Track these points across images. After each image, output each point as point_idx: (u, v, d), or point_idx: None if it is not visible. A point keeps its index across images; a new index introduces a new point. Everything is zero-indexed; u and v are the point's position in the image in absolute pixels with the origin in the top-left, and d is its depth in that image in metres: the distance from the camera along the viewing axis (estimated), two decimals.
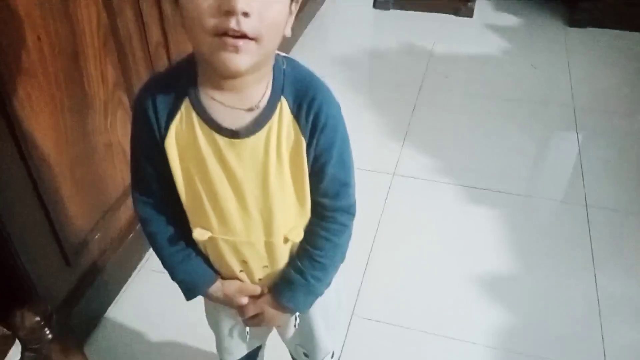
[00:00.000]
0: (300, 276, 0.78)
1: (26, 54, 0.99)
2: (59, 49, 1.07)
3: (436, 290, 1.49)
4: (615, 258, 1.58)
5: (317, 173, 0.72)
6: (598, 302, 1.44)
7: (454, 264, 1.56)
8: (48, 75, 1.06)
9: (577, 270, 1.54)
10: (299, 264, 0.78)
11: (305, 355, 0.99)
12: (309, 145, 0.69)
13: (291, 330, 0.92)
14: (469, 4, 2.88)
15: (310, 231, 0.77)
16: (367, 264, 1.55)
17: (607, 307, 1.43)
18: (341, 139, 0.72)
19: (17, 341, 0.84)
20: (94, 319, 1.37)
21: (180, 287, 0.81)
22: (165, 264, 0.80)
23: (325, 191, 0.74)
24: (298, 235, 0.77)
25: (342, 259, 0.82)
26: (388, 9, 2.97)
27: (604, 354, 1.32)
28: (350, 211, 0.78)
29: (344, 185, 0.75)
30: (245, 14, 0.56)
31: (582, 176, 1.86)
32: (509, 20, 2.89)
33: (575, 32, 2.76)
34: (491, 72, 2.46)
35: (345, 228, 0.78)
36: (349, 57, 2.57)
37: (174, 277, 0.81)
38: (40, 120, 1.06)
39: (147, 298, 1.45)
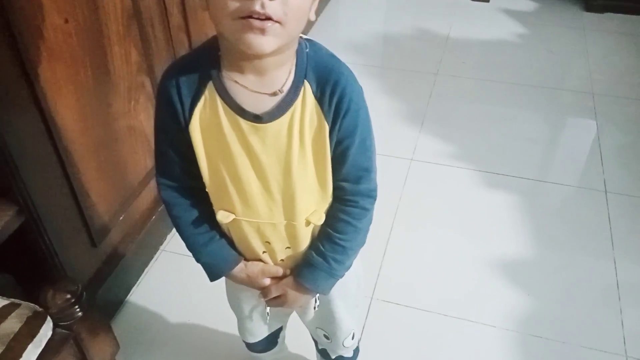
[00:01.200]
0: (322, 259, 0.79)
1: (54, 37, 1.01)
2: (85, 32, 1.09)
3: (455, 273, 1.50)
4: (635, 244, 1.57)
5: (339, 157, 0.73)
6: (618, 287, 1.45)
7: (473, 247, 1.57)
8: (74, 58, 1.07)
9: (597, 255, 1.54)
10: (321, 246, 0.79)
11: (326, 337, 1.01)
12: (331, 130, 0.70)
13: (311, 312, 0.94)
14: None
15: (331, 215, 0.78)
16: (386, 247, 1.57)
17: (627, 292, 1.43)
18: (363, 124, 0.72)
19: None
20: (117, 300, 1.41)
21: (204, 268, 0.83)
22: (189, 247, 0.82)
23: (347, 175, 0.75)
24: (320, 219, 0.78)
25: (362, 243, 0.83)
26: None
27: (624, 339, 1.33)
28: (371, 195, 0.78)
29: (366, 169, 0.76)
30: None
31: (602, 162, 1.85)
32: (525, 5, 2.86)
33: (592, 17, 2.73)
34: (508, 58, 2.45)
35: (367, 212, 0.79)
36: (365, 42, 2.57)
37: (198, 259, 0.82)
38: (67, 102, 1.08)
39: (168, 280, 1.48)
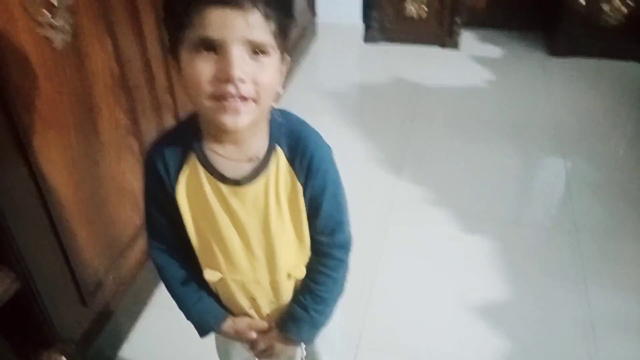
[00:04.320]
0: (304, 310, 0.85)
1: (46, 105, 1.08)
2: (76, 101, 1.16)
3: (438, 317, 1.54)
4: (606, 279, 1.64)
5: (313, 213, 0.80)
6: (591, 323, 1.50)
7: (454, 291, 1.62)
8: (65, 125, 1.14)
9: (570, 291, 1.60)
10: (302, 299, 0.85)
11: None
12: (304, 188, 0.77)
13: None
14: (454, 36, 3.00)
15: (310, 267, 0.85)
16: (370, 294, 1.61)
17: (600, 325, 1.49)
18: (333, 181, 0.79)
19: None
20: (107, 357, 1.42)
21: (194, 326, 0.88)
22: (180, 305, 0.87)
23: (322, 229, 0.82)
24: (300, 272, 0.84)
25: (341, 292, 0.89)
26: (377, 42, 3.09)
27: None
28: (346, 247, 0.85)
29: (339, 222, 0.83)
30: (242, 81, 0.64)
31: (571, 201, 1.93)
32: (493, 51, 3.00)
33: (557, 61, 2.88)
34: (478, 102, 2.56)
35: (342, 263, 0.85)
36: (341, 91, 2.67)
37: (188, 317, 0.88)
38: (59, 167, 1.14)
39: (157, 335, 1.50)
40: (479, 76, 2.76)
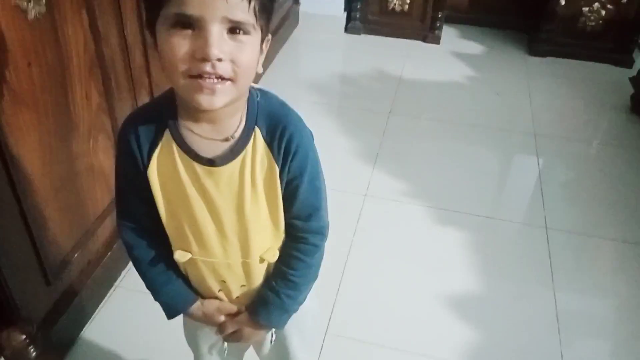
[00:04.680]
0: (275, 295, 0.83)
1: (17, 79, 1.03)
2: (48, 75, 1.12)
3: (407, 308, 1.55)
4: (574, 277, 1.67)
5: (289, 197, 0.78)
6: (557, 319, 1.53)
7: (424, 282, 1.63)
8: (36, 100, 1.10)
9: (538, 288, 1.62)
10: (274, 283, 0.84)
11: None
12: (281, 171, 0.75)
13: (267, 347, 0.97)
14: (436, 31, 3.01)
15: (284, 252, 0.83)
16: (340, 282, 1.61)
17: (566, 323, 1.52)
18: (312, 165, 0.77)
19: (2, 359, 0.87)
20: (71, 337, 1.39)
21: (162, 307, 0.86)
22: (148, 286, 0.85)
23: (298, 214, 0.80)
24: (273, 256, 0.82)
25: (314, 278, 0.87)
26: (359, 34, 3.08)
27: None
28: (321, 232, 0.83)
29: (316, 208, 0.81)
30: (219, 60, 0.62)
31: (542, 199, 1.96)
32: (474, 48, 3.03)
33: (535, 60, 2.92)
34: (457, 98, 2.58)
35: (317, 249, 0.84)
36: (321, 81, 2.65)
37: (156, 298, 0.85)
38: (28, 142, 1.10)
39: (123, 316, 1.47)
40: (459, 72, 2.78)
